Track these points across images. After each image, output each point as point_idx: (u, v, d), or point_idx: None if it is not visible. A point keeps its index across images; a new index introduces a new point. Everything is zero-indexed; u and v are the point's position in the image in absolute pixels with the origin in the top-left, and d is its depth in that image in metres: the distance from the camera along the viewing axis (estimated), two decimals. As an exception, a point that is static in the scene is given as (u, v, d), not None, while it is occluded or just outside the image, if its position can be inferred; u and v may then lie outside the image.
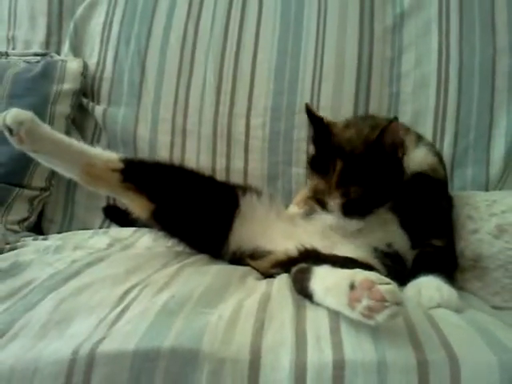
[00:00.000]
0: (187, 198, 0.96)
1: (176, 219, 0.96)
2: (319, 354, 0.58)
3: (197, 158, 1.35)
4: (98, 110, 1.41)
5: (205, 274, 0.83)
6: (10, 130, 0.86)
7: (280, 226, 0.98)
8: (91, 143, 0.97)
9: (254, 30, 1.36)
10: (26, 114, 0.87)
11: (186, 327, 0.63)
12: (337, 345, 0.60)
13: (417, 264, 0.87)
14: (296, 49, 1.33)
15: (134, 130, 1.38)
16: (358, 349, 0.59)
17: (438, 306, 0.73)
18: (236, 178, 1.29)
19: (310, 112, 0.91)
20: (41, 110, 1.29)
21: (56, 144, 0.90)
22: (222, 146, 1.34)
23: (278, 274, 0.87)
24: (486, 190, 1.21)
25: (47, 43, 1.51)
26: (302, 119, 1.28)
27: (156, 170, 0.98)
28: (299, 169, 1.30)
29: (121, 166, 0.93)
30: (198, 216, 0.95)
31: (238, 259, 0.96)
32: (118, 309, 0.68)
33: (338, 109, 1.29)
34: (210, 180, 1.04)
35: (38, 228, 1.37)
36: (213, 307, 0.69)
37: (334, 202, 0.87)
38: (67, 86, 1.37)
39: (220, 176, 1.27)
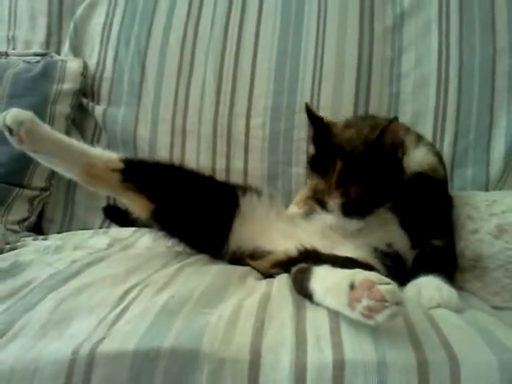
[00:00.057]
0: (187, 198, 0.96)
1: (176, 219, 0.96)
2: (319, 354, 0.58)
3: (197, 158, 1.35)
4: (98, 110, 1.41)
5: (205, 274, 0.83)
6: (10, 130, 0.86)
7: (280, 225, 0.98)
8: (91, 143, 0.97)
9: (253, 30, 1.36)
10: (26, 114, 0.87)
11: (185, 327, 0.63)
12: (337, 345, 0.60)
13: (417, 264, 0.87)
14: (296, 49, 1.33)
15: (134, 130, 1.38)
16: (358, 349, 0.59)
17: (438, 305, 0.73)
18: (236, 178, 1.29)
19: (309, 112, 0.91)
20: (41, 109, 1.29)
21: (56, 144, 0.90)
22: (222, 146, 1.34)
23: (278, 274, 0.87)
24: (486, 190, 1.21)
25: (47, 43, 1.51)
26: (302, 119, 1.28)
27: (156, 170, 0.98)
28: (299, 169, 1.30)
29: (121, 165, 0.93)
30: (198, 216, 0.95)
31: (237, 259, 0.96)
32: (118, 309, 0.68)
33: (337, 109, 1.29)
34: (210, 180, 1.04)
35: (37, 228, 1.37)
36: (213, 307, 0.69)
37: (334, 202, 0.87)
38: (67, 85, 1.37)
39: (220, 176, 1.27)
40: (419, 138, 0.98)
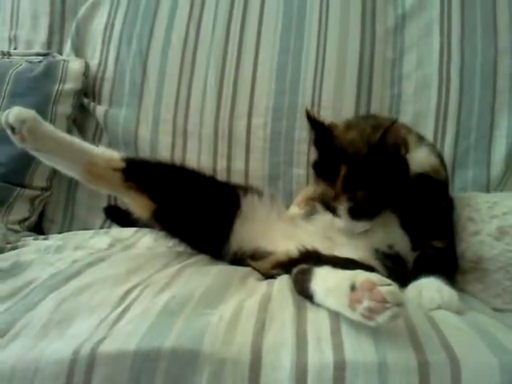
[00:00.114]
0: (188, 198, 0.96)
1: (177, 219, 0.96)
2: (320, 355, 0.58)
3: (198, 158, 1.35)
4: (100, 110, 1.41)
5: (206, 274, 0.83)
6: (13, 129, 0.86)
7: (281, 226, 0.98)
8: (92, 143, 0.96)
9: (255, 29, 1.36)
10: (29, 113, 0.87)
11: (186, 328, 0.63)
12: (337, 346, 0.60)
13: (418, 265, 0.87)
14: (298, 49, 1.33)
15: (135, 131, 1.38)
16: (359, 350, 0.59)
17: (439, 307, 0.73)
18: (237, 179, 1.29)
19: (310, 118, 0.91)
20: (42, 109, 1.28)
21: (58, 142, 0.90)
22: (223, 146, 1.34)
23: (279, 274, 0.87)
24: (487, 191, 1.21)
25: (49, 43, 1.51)
26: (303, 119, 1.27)
27: (158, 169, 0.98)
28: (300, 169, 1.30)
29: (122, 165, 0.93)
30: (199, 216, 0.95)
31: (238, 260, 0.96)
32: (119, 309, 0.68)
33: (339, 109, 1.29)
34: (212, 180, 1.04)
35: (38, 228, 1.37)
36: (213, 308, 0.69)
37: (341, 207, 0.87)
38: (69, 85, 1.37)
39: (221, 176, 1.26)
40: (420, 139, 0.98)
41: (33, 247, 1.04)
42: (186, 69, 1.38)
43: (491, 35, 1.26)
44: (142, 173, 0.95)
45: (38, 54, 1.45)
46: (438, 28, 1.29)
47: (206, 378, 0.58)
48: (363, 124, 0.92)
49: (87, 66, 1.43)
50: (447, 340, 0.61)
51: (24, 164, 1.28)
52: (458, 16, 1.28)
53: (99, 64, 1.44)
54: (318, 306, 0.69)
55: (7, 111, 0.86)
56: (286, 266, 0.87)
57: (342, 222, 0.88)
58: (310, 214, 0.99)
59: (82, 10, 1.49)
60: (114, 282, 0.78)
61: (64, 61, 1.41)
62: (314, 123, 0.91)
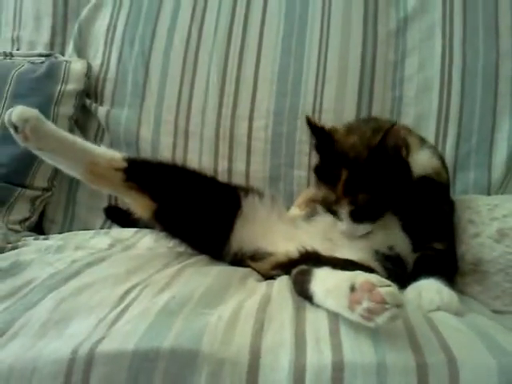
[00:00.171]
0: (189, 199, 0.96)
1: (178, 219, 0.96)
2: (318, 356, 0.58)
3: (199, 159, 1.36)
4: (101, 110, 1.41)
5: (206, 274, 0.83)
6: (16, 128, 0.86)
7: (281, 227, 0.98)
8: (94, 144, 0.97)
9: (257, 32, 1.36)
10: (31, 112, 0.87)
11: (185, 328, 0.63)
12: (336, 346, 0.60)
13: (417, 267, 0.87)
14: (299, 51, 1.33)
15: (137, 131, 1.38)
16: (358, 351, 0.59)
17: (438, 308, 0.73)
18: (238, 180, 1.29)
19: (311, 124, 0.91)
20: (44, 110, 1.27)
21: (60, 142, 0.90)
22: (225, 147, 1.34)
23: (279, 275, 0.87)
24: (488, 194, 1.21)
25: (52, 44, 1.52)
26: (304, 122, 1.27)
27: (159, 170, 0.98)
28: (301, 171, 1.30)
29: (124, 165, 0.93)
30: (200, 216, 0.96)
31: (238, 260, 0.96)
32: (118, 309, 0.68)
33: (340, 111, 1.29)
34: (213, 181, 1.04)
35: (39, 228, 1.37)
36: (213, 308, 0.69)
37: (343, 211, 0.87)
38: (71, 86, 1.38)
39: (222, 178, 1.27)
40: (422, 141, 0.98)
41: (33, 247, 1.04)
42: (188, 70, 1.38)
43: (493, 38, 1.26)
44: (143, 173, 0.95)
45: (41, 55, 1.46)
46: (440, 31, 1.29)
47: (204, 378, 0.58)
48: (364, 127, 0.92)
49: (89, 67, 1.43)
50: (446, 341, 0.61)
51: (25, 164, 1.28)
52: (460, 19, 1.28)
53: (101, 65, 1.45)
54: (317, 306, 0.69)
55: (10, 110, 0.87)
56: (285, 266, 0.87)
57: (343, 225, 0.89)
58: (310, 216, 0.99)
59: (84, 12, 1.49)
60: (113, 281, 0.78)
61: (66, 62, 1.41)
62: (315, 129, 0.91)
